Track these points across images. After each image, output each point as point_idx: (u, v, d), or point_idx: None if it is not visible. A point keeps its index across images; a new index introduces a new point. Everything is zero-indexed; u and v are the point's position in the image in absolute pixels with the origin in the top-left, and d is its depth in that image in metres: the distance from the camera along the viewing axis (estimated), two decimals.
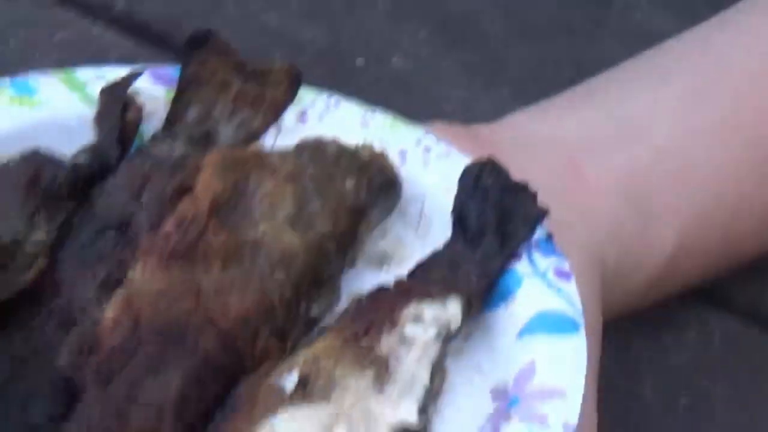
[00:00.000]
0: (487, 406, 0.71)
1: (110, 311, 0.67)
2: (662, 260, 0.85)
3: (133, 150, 0.81)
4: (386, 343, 0.69)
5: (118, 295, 0.68)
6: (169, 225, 0.70)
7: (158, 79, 0.83)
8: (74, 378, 0.65)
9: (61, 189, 0.74)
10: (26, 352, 0.68)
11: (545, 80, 1.04)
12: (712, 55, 0.92)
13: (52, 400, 0.66)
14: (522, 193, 0.75)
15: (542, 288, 0.72)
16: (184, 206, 0.71)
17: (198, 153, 0.79)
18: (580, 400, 0.67)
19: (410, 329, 0.70)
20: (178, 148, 0.80)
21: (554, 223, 0.75)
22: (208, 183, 0.72)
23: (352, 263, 0.76)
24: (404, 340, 0.69)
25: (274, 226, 0.72)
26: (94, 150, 0.78)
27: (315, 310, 0.72)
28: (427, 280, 0.72)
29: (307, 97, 0.83)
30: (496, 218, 0.74)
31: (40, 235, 0.71)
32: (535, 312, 0.71)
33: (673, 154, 0.87)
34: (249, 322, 0.69)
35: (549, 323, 0.71)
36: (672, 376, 0.91)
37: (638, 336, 0.88)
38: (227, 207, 0.71)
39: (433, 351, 0.69)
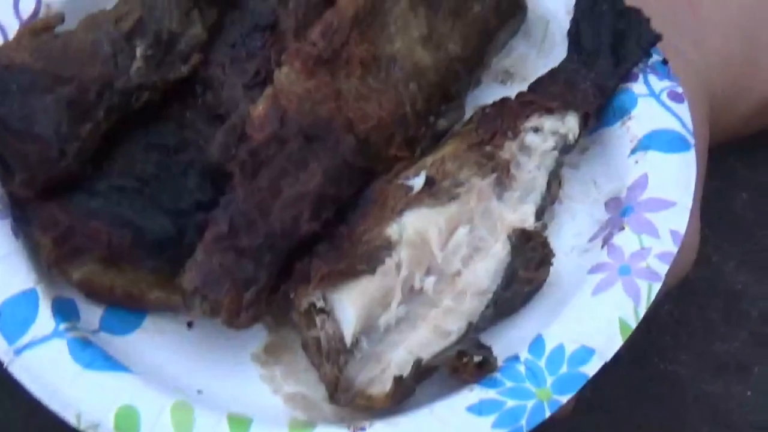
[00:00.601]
0: (601, 214, 0.74)
1: (259, 106, 0.70)
2: (765, 96, 0.86)
3: None
4: (508, 149, 0.73)
5: (267, 92, 0.71)
6: (314, 33, 0.72)
7: None
8: (223, 168, 0.69)
9: None
10: (179, 142, 0.72)
11: None
12: None
13: (202, 187, 0.70)
14: (636, 17, 0.77)
15: (656, 108, 0.75)
16: (329, 16, 0.73)
17: None
18: (688, 212, 0.70)
19: (531, 138, 0.74)
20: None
21: (669, 49, 0.77)
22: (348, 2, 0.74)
23: (478, 81, 0.79)
24: (525, 148, 0.73)
25: (409, 43, 0.74)
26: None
27: (442, 123, 0.75)
28: (546, 95, 0.75)
29: None
30: (611, 40, 0.77)
31: (196, 30, 0.74)
32: (650, 129, 0.74)
33: None
34: (384, 127, 0.72)
35: (662, 141, 0.73)
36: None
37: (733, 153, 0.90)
38: (367, 21, 0.74)
39: (551, 160, 0.74)
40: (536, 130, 0.74)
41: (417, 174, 0.71)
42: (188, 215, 0.69)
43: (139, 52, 0.71)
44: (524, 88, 0.77)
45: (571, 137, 0.74)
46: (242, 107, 0.72)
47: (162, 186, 0.70)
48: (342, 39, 0.72)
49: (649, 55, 0.77)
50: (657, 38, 0.76)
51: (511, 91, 0.77)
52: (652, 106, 0.75)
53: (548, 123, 0.74)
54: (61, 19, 0.72)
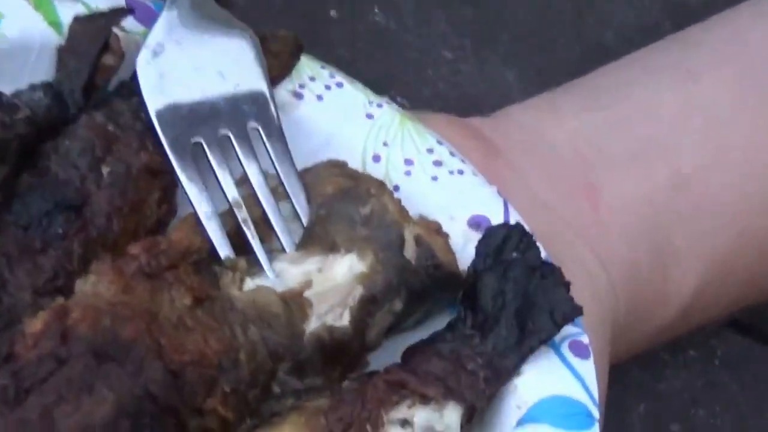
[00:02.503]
0: None
1: (38, 321, 0.56)
2: (676, 311, 0.77)
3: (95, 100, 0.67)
4: None
5: (54, 304, 0.57)
6: (135, 247, 0.59)
7: (144, 17, 0.69)
8: None
9: (5, 142, 0.61)
10: None
11: (545, 42, 0.94)
12: (749, 46, 0.81)
13: None
14: (553, 278, 0.63)
15: (554, 364, 0.62)
16: (156, 238, 0.60)
17: None
18: None
19: None
20: None
21: (566, 261, 0.65)
22: (184, 234, 0.61)
23: (360, 365, 0.64)
24: None
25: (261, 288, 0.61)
26: (53, 91, 0.65)
27: (287, 405, 0.61)
28: (424, 374, 0.60)
29: (307, 71, 0.71)
30: (517, 304, 0.62)
31: None
32: (544, 395, 0.62)
33: (698, 179, 0.77)
34: (206, 367, 0.58)
35: (559, 413, 0.61)
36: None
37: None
38: (203, 264, 0.61)
39: None
40: (404, 423, 0.59)
41: None
42: None
43: None
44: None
45: None
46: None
47: None
48: (170, 261, 0.60)
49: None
50: (576, 312, 0.63)
51: None
52: (549, 362, 0.62)
53: (421, 415, 0.59)
54: None
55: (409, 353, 0.61)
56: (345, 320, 0.61)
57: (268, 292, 0.60)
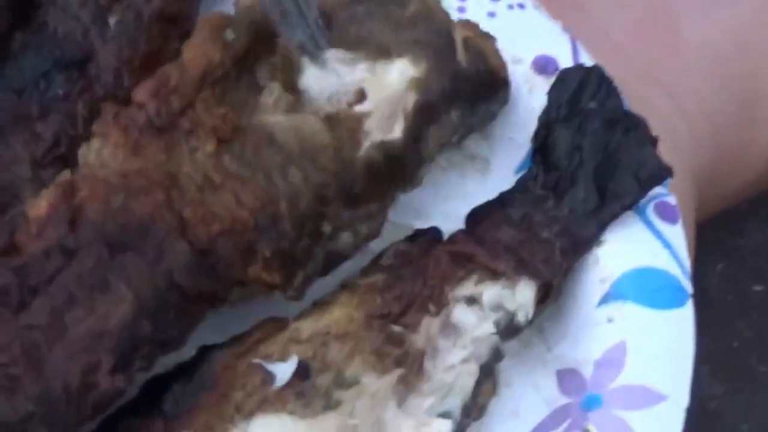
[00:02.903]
0: (552, 390, 0.55)
1: (42, 201, 0.49)
2: (766, 163, 0.71)
3: None
4: (425, 331, 0.50)
5: (58, 179, 0.50)
6: (142, 90, 0.51)
7: None
8: None
9: None
10: None
11: None
12: None
13: None
14: (637, 132, 0.55)
15: (640, 231, 0.55)
16: (166, 69, 0.52)
17: None
18: (683, 412, 0.52)
19: (461, 314, 0.51)
20: None
21: (644, 111, 0.58)
22: (199, 49, 0.52)
23: (414, 183, 0.56)
24: (450, 329, 0.51)
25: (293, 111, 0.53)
26: None
27: (345, 239, 0.53)
28: (493, 244, 0.52)
29: None
30: (596, 162, 0.54)
31: None
32: (630, 267, 0.54)
33: None
34: (241, 233, 0.50)
35: (648, 288, 0.54)
36: None
37: None
38: (226, 79, 0.52)
39: (487, 349, 0.51)
40: (471, 301, 0.51)
41: (284, 355, 0.49)
42: None
43: None
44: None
45: (521, 317, 0.52)
46: (27, 200, 0.51)
47: None
48: (184, 101, 0.52)
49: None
50: (665, 173, 0.55)
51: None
52: (634, 228, 0.55)
53: (491, 293, 0.51)
54: None
55: (475, 218, 0.53)
56: (398, 132, 0.53)
57: (312, 118, 0.52)
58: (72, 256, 0.48)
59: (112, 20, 0.54)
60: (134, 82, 0.53)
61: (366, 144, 0.53)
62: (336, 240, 0.53)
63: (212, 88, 0.52)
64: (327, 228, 0.52)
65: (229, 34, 0.52)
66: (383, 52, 0.55)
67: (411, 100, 0.54)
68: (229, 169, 0.51)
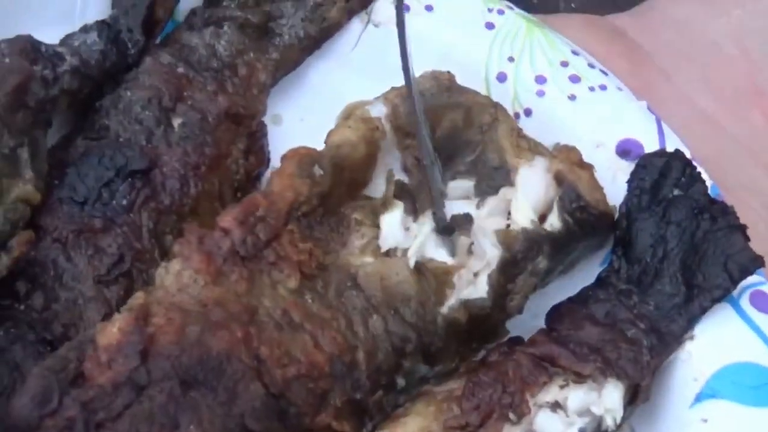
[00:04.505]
0: None
1: (114, 326, 0.46)
2: None
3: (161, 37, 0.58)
4: None
5: (132, 302, 0.47)
6: (229, 216, 0.49)
7: None
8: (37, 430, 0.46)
9: (49, 101, 0.52)
10: None
11: None
12: None
13: None
14: (724, 221, 0.52)
15: (735, 323, 0.52)
16: (253, 198, 0.50)
17: (253, 48, 0.57)
18: None
19: (544, 422, 0.48)
20: (224, 39, 0.57)
21: (739, 192, 0.57)
22: (288, 181, 0.51)
23: (499, 336, 0.54)
24: None
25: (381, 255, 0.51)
26: (108, 31, 0.55)
27: (423, 374, 0.51)
28: (577, 345, 0.50)
29: None
30: (683, 252, 0.52)
31: (24, 188, 0.49)
32: (724, 363, 0.52)
33: None
34: (316, 378, 0.48)
35: (742, 384, 0.51)
36: None
37: None
38: (313, 215, 0.51)
39: None
40: (555, 407, 0.49)
41: None
42: None
43: None
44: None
45: (609, 420, 0.49)
46: (90, 320, 0.49)
47: None
48: (271, 232, 0.50)
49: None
50: (756, 263, 0.52)
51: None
52: (727, 321, 0.53)
53: (576, 397, 0.49)
54: None
55: (556, 317, 0.51)
56: (482, 290, 0.51)
57: (400, 264, 0.51)
58: (141, 389, 0.46)
59: (176, 122, 0.53)
60: (201, 188, 0.52)
61: (451, 300, 0.51)
62: (408, 394, 0.51)
63: (298, 222, 0.50)
64: (401, 381, 0.51)
65: (317, 170, 0.51)
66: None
67: (495, 257, 0.52)
68: (310, 308, 0.49)
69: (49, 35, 0.54)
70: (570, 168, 0.54)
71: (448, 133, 0.54)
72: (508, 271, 0.52)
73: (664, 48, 0.66)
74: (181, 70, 0.55)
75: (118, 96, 0.54)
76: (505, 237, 0.52)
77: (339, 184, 0.52)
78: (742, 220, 0.53)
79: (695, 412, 0.52)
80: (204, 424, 0.47)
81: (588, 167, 0.55)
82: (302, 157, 0.51)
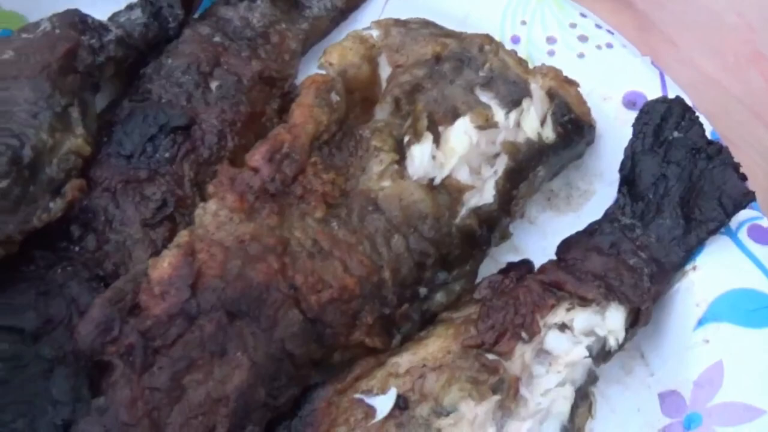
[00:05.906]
0: (654, 414, 0.55)
1: (164, 261, 0.50)
2: None
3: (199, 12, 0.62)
4: (519, 357, 0.51)
5: (178, 239, 0.51)
6: (256, 155, 0.53)
7: None
8: (100, 358, 0.49)
9: (97, 67, 0.56)
10: (40, 323, 0.51)
11: None
12: None
13: (73, 394, 0.49)
14: (719, 160, 0.55)
15: (733, 254, 0.55)
16: (278, 133, 0.53)
17: (284, 19, 0.62)
18: None
19: (554, 340, 0.52)
20: (258, 12, 0.61)
21: (739, 144, 0.61)
22: (308, 112, 0.54)
23: (504, 237, 0.58)
24: (543, 355, 0.52)
25: (398, 178, 0.54)
26: (149, 8, 0.60)
27: (438, 299, 0.55)
28: (583, 273, 0.53)
29: None
30: (682, 189, 0.55)
31: (75, 141, 0.53)
32: (724, 290, 0.54)
33: None
34: (348, 300, 0.52)
35: (742, 308, 0.54)
36: None
37: None
38: (334, 143, 0.54)
39: (581, 373, 0.52)
40: (563, 328, 0.52)
41: (384, 389, 0.51)
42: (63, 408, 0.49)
43: None
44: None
45: (612, 341, 0.53)
46: (138, 259, 0.53)
47: (13, 395, 0.49)
48: (297, 167, 0.54)
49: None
50: (748, 197, 0.55)
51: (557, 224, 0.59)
52: (728, 251, 0.55)
53: (581, 319, 0.53)
54: None
55: (565, 248, 0.55)
56: (489, 196, 0.56)
57: (414, 185, 0.54)
58: (192, 319, 0.50)
59: (213, 84, 0.57)
60: (237, 142, 0.56)
61: (462, 212, 0.55)
62: (431, 300, 0.55)
63: (320, 151, 0.54)
64: (423, 290, 0.54)
65: (334, 96, 0.55)
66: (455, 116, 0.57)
67: (502, 164, 0.56)
68: (336, 235, 0.53)
69: (98, 13, 0.58)
70: (560, 84, 0.59)
71: (448, 54, 0.58)
72: (513, 177, 0.56)
73: (670, 17, 0.69)
74: (217, 39, 0.59)
75: (159, 63, 0.58)
76: (510, 148, 0.56)
77: (353, 107, 0.55)
78: (745, 173, 0.56)
79: (698, 334, 0.54)
80: (249, 350, 0.50)
81: (574, 83, 0.59)
82: (319, 85, 0.55)
